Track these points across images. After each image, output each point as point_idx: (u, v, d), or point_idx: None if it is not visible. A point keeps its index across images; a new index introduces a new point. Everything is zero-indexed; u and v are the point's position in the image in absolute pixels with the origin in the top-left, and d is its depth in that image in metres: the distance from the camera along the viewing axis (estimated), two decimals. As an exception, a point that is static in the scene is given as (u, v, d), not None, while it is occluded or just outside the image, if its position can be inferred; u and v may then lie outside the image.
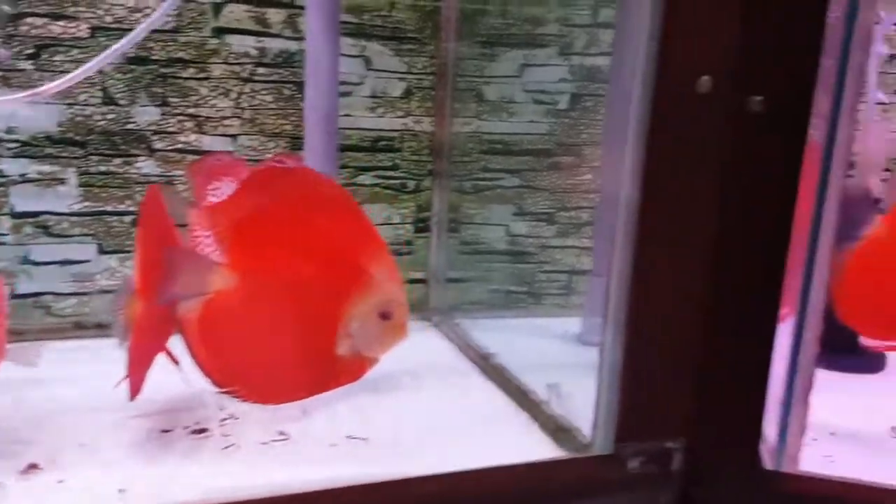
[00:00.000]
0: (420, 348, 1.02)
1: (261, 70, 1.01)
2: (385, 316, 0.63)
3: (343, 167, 1.06)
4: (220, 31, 0.99)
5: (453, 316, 1.09)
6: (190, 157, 1.00)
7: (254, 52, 1.00)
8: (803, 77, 0.62)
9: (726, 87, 0.63)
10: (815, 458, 0.74)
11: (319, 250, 0.61)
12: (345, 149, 1.06)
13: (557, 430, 0.76)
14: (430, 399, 0.85)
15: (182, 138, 1.00)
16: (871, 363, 1.01)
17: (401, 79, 1.06)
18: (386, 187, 1.09)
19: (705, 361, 0.69)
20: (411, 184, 1.09)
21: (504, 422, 0.80)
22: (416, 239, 1.12)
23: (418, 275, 1.12)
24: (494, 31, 1.06)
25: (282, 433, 0.73)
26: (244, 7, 0.99)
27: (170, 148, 1.00)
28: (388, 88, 1.06)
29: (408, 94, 1.07)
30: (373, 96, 1.05)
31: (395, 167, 1.08)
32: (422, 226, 1.11)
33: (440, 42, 1.05)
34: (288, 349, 0.62)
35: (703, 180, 0.65)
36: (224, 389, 0.63)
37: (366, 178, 1.08)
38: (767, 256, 0.66)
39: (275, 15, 1.00)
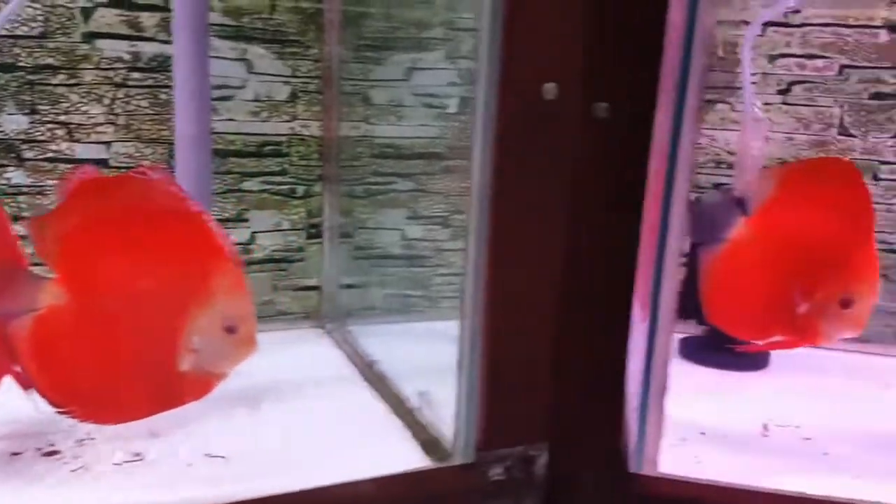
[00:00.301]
0: (308, 357, 1.01)
1: (135, 75, 0.98)
2: (230, 330, 0.61)
3: (227, 173, 1.04)
4: (90, 36, 0.96)
5: (347, 323, 1.07)
6: (62, 167, 0.97)
7: (127, 57, 0.97)
8: (646, 82, 0.62)
9: (573, 94, 0.63)
10: (683, 459, 0.75)
11: (156, 263, 0.59)
12: (229, 154, 1.03)
13: (427, 439, 0.75)
14: (307, 410, 0.83)
15: (53, 147, 0.96)
16: (754, 360, 1.03)
17: (285, 82, 1.04)
18: (275, 193, 1.07)
19: (563, 366, 0.69)
20: (301, 189, 1.07)
21: (378, 432, 0.78)
22: (307, 245, 1.10)
23: (311, 282, 1.11)
24: (380, 34, 1.04)
25: (136, 454, 0.70)
26: (115, 11, 0.96)
27: (40, 157, 0.96)
28: (272, 92, 1.03)
29: (293, 97, 1.04)
30: (256, 100, 1.03)
31: (283, 172, 1.06)
32: (313, 232, 1.09)
33: (324, 45, 1.04)
34: (125, 366, 0.60)
35: (553, 186, 0.65)
36: (60, 409, 0.60)
37: (252, 184, 1.05)
38: (618, 261, 0.66)
39: (148, 18, 0.97)
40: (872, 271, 0.72)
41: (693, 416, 0.86)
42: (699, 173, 1.13)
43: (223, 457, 0.71)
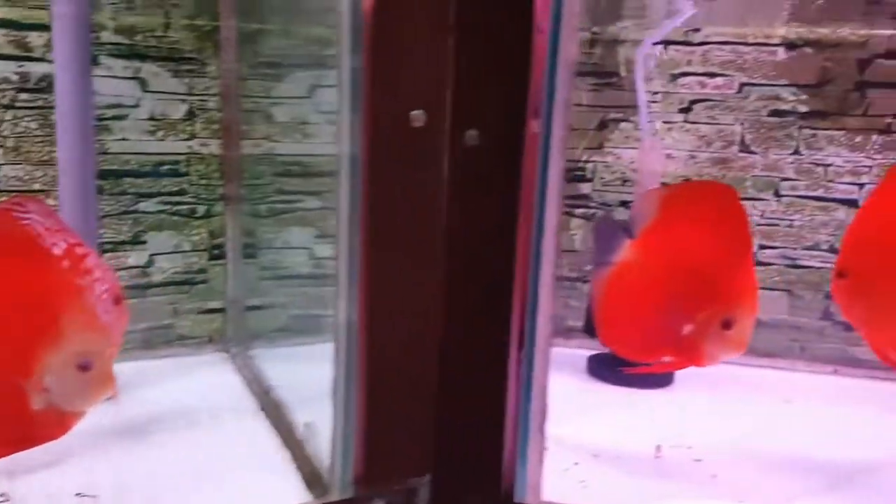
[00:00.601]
0: (206, 384, 0.98)
1: (23, 96, 0.94)
2: (83, 368, 0.58)
3: (122, 194, 1.01)
4: (-26, 55, 0.92)
5: (252, 346, 1.05)
6: (-56, 190, 0.93)
7: (14, 78, 0.94)
8: (514, 110, 0.62)
9: (442, 121, 0.62)
10: (570, 484, 0.75)
11: (1, 302, 0.56)
12: (123, 175, 1.00)
13: (310, 473, 0.73)
14: (193, 443, 0.80)
15: (-66, 170, 0.92)
16: (659, 377, 1.04)
17: (182, 100, 1.01)
18: (173, 213, 1.04)
19: (444, 395, 0.68)
20: (201, 209, 1.05)
21: (263, 466, 0.76)
22: (210, 267, 1.07)
23: (215, 304, 1.08)
24: (280, 51, 1.03)
25: (2, 494, 0.67)
26: (2, 31, 0.92)
27: (-79, 181, 0.92)
28: (168, 110, 1.01)
29: (191, 115, 1.02)
30: (151, 119, 1.00)
31: (182, 192, 1.03)
32: (216, 252, 1.07)
33: (221, 62, 1.01)
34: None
35: (426, 213, 0.64)
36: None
37: (150, 205, 1.02)
38: (494, 288, 0.65)
39: (37, 38, 0.94)
40: (751, 292, 0.72)
41: (590, 437, 0.86)
42: (606, 191, 1.14)
43: (94, 496, 0.68)
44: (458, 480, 0.69)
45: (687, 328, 0.74)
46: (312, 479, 0.72)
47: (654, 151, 1.00)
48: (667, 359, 0.79)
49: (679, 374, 1.05)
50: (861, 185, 1.06)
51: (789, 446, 0.84)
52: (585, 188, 1.15)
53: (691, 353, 0.75)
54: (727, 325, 0.72)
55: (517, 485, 0.68)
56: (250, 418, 0.87)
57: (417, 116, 0.61)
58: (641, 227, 0.79)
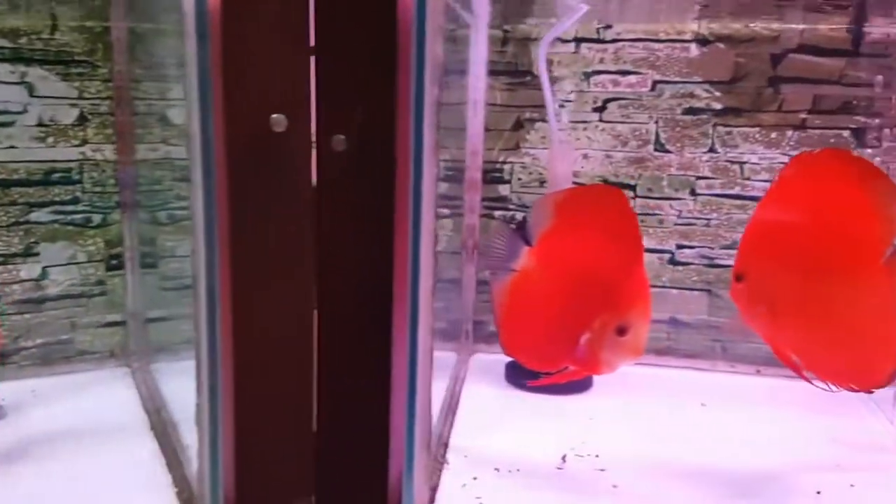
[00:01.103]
0: (100, 402, 0.93)
1: None
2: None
3: (12, 204, 0.95)
4: None
5: (153, 361, 1.00)
6: None
7: None
8: (382, 112, 0.59)
9: (305, 126, 0.59)
10: (467, 500, 0.72)
11: None
12: (12, 184, 0.95)
13: (188, 497, 0.69)
14: (74, 466, 0.76)
15: None
16: (577, 383, 1.01)
17: (72, 105, 0.96)
18: (67, 223, 0.99)
19: (324, 413, 0.64)
20: (97, 218, 1.00)
21: (142, 489, 0.72)
22: (108, 278, 1.02)
23: (115, 317, 1.03)
24: (172, 51, 0.98)
25: None
26: None
27: None
28: (58, 116, 0.96)
29: (82, 120, 0.97)
30: (40, 125, 0.95)
31: (75, 201, 0.98)
32: (114, 263, 1.02)
33: (114, 64, 0.96)
34: None
35: (295, 223, 0.60)
36: None
37: (41, 215, 0.97)
38: (372, 298, 0.62)
39: None
40: (643, 297, 0.70)
41: (498, 448, 0.83)
42: (525, 192, 1.11)
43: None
44: (342, 502, 0.66)
45: (584, 336, 0.72)
46: (189, 503, 0.68)
47: (565, 152, 0.98)
48: (569, 368, 0.77)
49: (598, 379, 1.04)
50: (777, 183, 1.05)
51: (699, 452, 0.82)
52: (504, 190, 1.12)
53: (589, 361, 0.73)
54: (621, 331, 0.70)
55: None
56: (138, 439, 0.83)
57: (278, 121, 0.57)
58: (538, 234, 0.77)
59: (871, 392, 0.70)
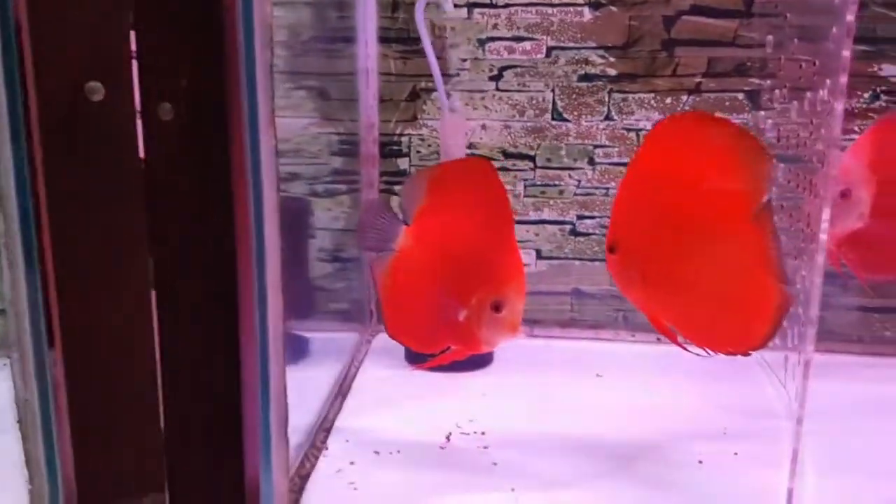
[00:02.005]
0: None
1: None
2: None
3: None
4: None
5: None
6: None
7: None
8: (210, 79, 0.54)
9: (126, 94, 0.54)
10: (339, 487, 0.69)
11: None
12: None
13: (37, 494, 0.65)
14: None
15: None
16: (477, 359, 0.99)
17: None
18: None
19: (172, 405, 0.61)
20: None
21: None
22: (-21, 267, 0.96)
23: (-11, 307, 0.97)
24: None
25: None
26: None
27: None
28: None
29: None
30: None
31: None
32: (-15, 251, 0.96)
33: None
34: None
35: (122, 203, 0.56)
36: None
37: None
38: (213, 282, 0.58)
39: None
40: (517, 272, 0.68)
41: (384, 430, 0.80)
42: (424, 165, 1.08)
43: None
44: (196, 496, 0.62)
45: (461, 314, 0.70)
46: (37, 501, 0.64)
47: (457, 122, 0.95)
48: (451, 348, 0.75)
49: (498, 354, 1.02)
50: (675, 150, 1.03)
51: (585, 425, 0.81)
52: (402, 163, 1.09)
53: (468, 340, 0.71)
54: (497, 307, 0.68)
55: (263, 496, 0.62)
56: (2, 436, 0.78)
57: (94, 88, 0.53)
58: (413, 212, 0.74)
59: (748, 355, 0.68)
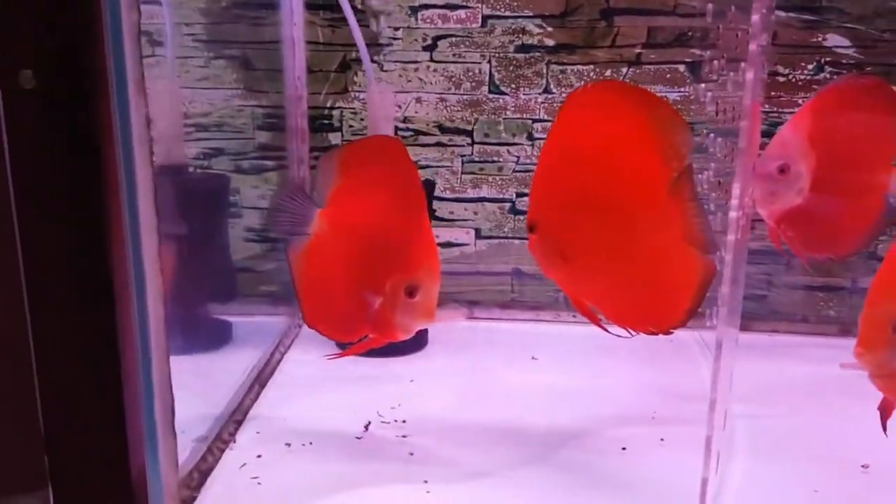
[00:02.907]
0: None
1: None
2: None
3: None
4: None
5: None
6: None
7: None
8: (73, 44, 0.49)
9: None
10: (240, 483, 0.65)
11: None
12: None
13: None
14: None
15: None
16: (411, 343, 0.95)
17: None
18: None
19: (52, 400, 0.56)
20: None
21: None
22: None
23: None
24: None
25: None
26: None
27: None
28: None
29: None
30: None
31: None
32: None
33: None
34: None
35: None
36: None
37: None
38: (84, 266, 0.53)
39: None
40: (431, 255, 0.64)
41: (300, 421, 0.76)
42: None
43: None
44: (82, 495, 0.58)
45: (376, 301, 0.66)
46: None
47: (384, 95, 0.90)
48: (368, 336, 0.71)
49: (433, 337, 0.98)
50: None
51: (510, 411, 0.78)
52: (334, 138, 1.04)
53: (385, 328, 0.67)
54: (411, 292, 0.64)
55: (151, 492, 0.58)
56: None
57: (-60, 52, 0.47)
58: (327, 195, 0.69)
59: (670, 333, 0.65)
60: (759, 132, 0.75)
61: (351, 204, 0.68)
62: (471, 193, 1.05)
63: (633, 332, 0.65)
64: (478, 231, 1.07)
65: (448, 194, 1.05)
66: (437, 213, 1.06)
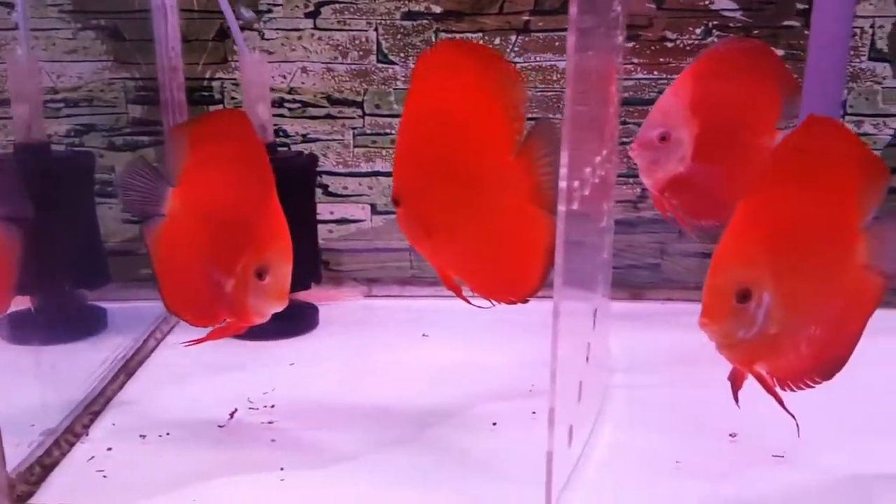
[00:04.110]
0: None
1: None
2: None
3: None
4: None
5: None
6: None
7: None
8: None
9: None
10: (85, 477, 0.61)
11: None
12: None
13: None
14: None
15: None
16: (301, 322, 0.92)
17: None
18: None
19: None
20: None
21: None
22: None
23: None
24: None
25: None
26: None
27: None
28: None
29: None
30: None
31: None
32: None
33: None
34: None
35: None
36: None
37: None
38: None
39: None
40: (280, 235, 0.61)
41: (162, 410, 0.72)
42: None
43: None
44: None
45: (228, 283, 0.62)
46: None
47: (258, 65, 0.86)
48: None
49: (324, 317, 0.95)
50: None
51: (387, 392, 0.75)
52: (216, 110, 0.99)
53: (240, 311, 0.63)
54: (260, 274, 0.61)
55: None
56: None
57: None
58: (178, 172, 0.65)
59: (527, 301, 0.63)
60: (618, 100, 0.72)
61: (199, 182, 0.65)
62: (364, 167, 1.02)
63: (495, 302, 0.63)
64: (373, 206, 1.03)
65: (341, 169, 1.02)
66: (329, 189, 1.02)
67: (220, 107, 0.99)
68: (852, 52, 0.94)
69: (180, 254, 0.66)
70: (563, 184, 0.49)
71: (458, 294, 0.64)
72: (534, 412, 0.69)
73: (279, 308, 0.62)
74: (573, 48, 0.49)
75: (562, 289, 0.50)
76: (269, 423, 0.69)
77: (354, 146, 1.01)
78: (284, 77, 0.97)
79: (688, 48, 0.94)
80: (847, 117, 0.96)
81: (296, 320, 0.92)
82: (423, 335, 0.89)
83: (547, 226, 0.56)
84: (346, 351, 0.86)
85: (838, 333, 0.55)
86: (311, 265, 0.92)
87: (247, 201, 0.61)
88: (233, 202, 0.62)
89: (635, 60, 0.95)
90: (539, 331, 0.88)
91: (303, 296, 0.94)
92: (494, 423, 0.68)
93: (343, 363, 0.83)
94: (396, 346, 0.88)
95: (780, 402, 0.54)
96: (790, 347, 0.53)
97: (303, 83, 0.98)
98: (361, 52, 0.97)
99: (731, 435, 0.66)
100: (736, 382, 0.55)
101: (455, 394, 0.74)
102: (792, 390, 0.55)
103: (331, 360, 0.83)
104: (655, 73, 0.95)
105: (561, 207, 0.49)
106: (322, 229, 1.03)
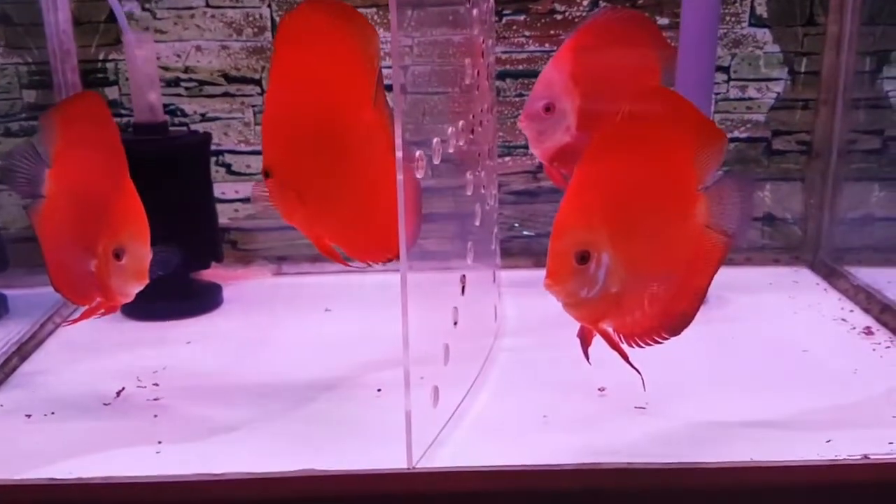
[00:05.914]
0: None
1: None
2: None
3: None
4: None
5: None
6: None
7: None
8: None
9: None
10: None
11: None
12: None
13: None
14: None
15: None
16: (205, 302, 0.93)
17: None
18: None
19: None
20: None
21: None
22: None
23: None
24: None
25: None
26: None
27: None
28: None
29: None
30: None
31: None
32: None
33: None
34: None
35: None
36: None
37: None
38: None
39: None
40: (135, 215, 0.61)
41: (51, 391, 0.73)
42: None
43: None
44: None
45: (91, 264, 0.63)
46: None
47: (143, 46, 0.85)
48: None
49: (229, 296, 0.95)
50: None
51: (283, 366, 0.76)
52: (111, 93, 0.98)
53: (105, 291, 0.65)
54: (118, 254, 0.62)
55: None
56: None
57: None
58: (52, 153, 0.66)
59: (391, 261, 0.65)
60: (489, 72, 0.74)
61: (67, 164, 0.66)
62: (268, 145, 1.02)
63: (370, 264, 0.65)
64: (280, 184, 1.04)
65: (243, 147, 1.02)
66: (233, 168, 1.02)
67: (116, 88, 0.98)
68: (733, 19, 0.97)
69: (57, 233, 0.68)
70: (399, 154, 0.50)
71: (336, 258, 0.65)
72: (422, 377, 0.71)
73: (140, 287, 0.63)
74: (395, 24, 0.51)
75: (406, 257, 0.52)
76: (155, 399, 0.70)
77: (255, 124, 1.01)
78: (179, 56, 0.97)
79: (576, 20, 0.96)
80: (731, 82, 0.99)
81: (197, 299, 0.92)
82: (326, 310, 0.91)
83: (412, 181, 0.57)
84: (246, 329, 0.87)
85: (683, 291, 0.57)
86: (211, 244, 0.93)
87: (102, 183, 0.62)
88: (91, 184, 0.63)
89: (527, 33, 0.97)
90: (444, 297, 0.91)
91: (209, 275, 0.95)
92: (379, 390, 0.70)
93: (241, 341, 0.84)
94: (298, 322, 0.89)
95: (626, 358, 0.57)
96: (634, 305, 0.55)
97: (198, 62, 0.98)
98: (256, 29, 0.97)
99: (599, 389, 0.69)
100: (585, 340, 0.57)
101: (345, 365, 0.76)
102: (640, 346, 0.57)
103: (228, 339, 0.84)
104: (547, 45, 0.97)
105: (399, 176, 0.51)
106: (228, 209, 1.04)
